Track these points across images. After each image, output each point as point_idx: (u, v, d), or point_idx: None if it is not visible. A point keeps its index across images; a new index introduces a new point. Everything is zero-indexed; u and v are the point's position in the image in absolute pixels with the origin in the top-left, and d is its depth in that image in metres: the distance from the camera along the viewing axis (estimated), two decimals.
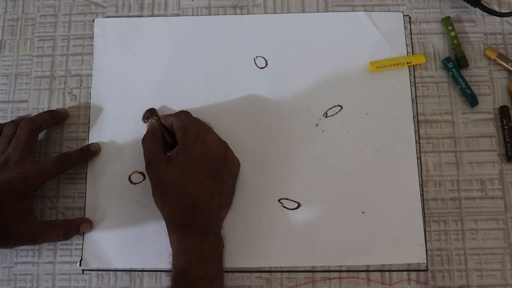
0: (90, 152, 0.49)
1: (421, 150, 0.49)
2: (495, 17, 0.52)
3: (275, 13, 0.53)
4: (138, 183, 0.49)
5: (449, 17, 0.52)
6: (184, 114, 0.46)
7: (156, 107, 0.50)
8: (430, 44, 0.52)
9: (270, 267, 0.47)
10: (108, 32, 0.53)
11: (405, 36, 0.52)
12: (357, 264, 0.47)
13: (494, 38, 0.52)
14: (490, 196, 0.48)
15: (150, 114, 0.49)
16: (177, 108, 0.50)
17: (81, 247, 0.48)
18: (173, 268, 0.42)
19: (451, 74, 0.50)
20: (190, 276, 0.40)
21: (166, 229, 0.43)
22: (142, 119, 0.50)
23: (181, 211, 0.42)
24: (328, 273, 0.47)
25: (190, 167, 0.43)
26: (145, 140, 0.46)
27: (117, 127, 0.50)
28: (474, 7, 0.52)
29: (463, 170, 0.49)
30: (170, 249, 0.43)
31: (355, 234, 0.47)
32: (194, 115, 0.47)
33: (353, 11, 0.53)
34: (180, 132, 0.44)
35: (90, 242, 0.48)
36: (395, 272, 0.47)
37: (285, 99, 0.50)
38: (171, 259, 0.42)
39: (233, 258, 0.47)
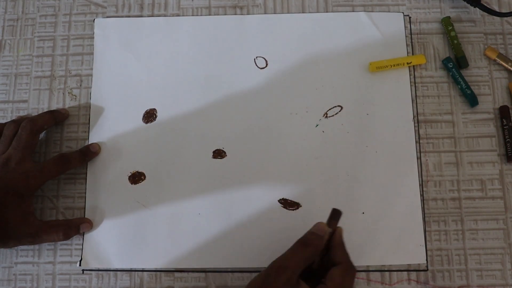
0: (90, 153, 0.49)
1: (421, 150, 0.49)
2: (495, 17, 0.52)
3: (275, 13, 0.53)
4: (138, 183, 0.49)
5: (449, 17, 0.52)
6: (353, 272, 0.40)
7: (156, 107, 0.50)
8: (430, 44, 0.52)
9: None
10: (108, 32, 0.53)
11: (405, 36, 0.52)
12: (357, 264, 0.46)
13: (494, 38, 0.52)
14: (490, 196, 0.48)
15: (331, 218, 0.41)
16: (177, 109, 0.50)
17: (81, 247, 0.48)
18: None
19: (451, 74, 0.50)
20: None
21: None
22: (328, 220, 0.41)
23: None
24: None
25: None
26: (301, 244, 0.40)
27: (117, 127, 0.50)
28: (474, 7, 0.52)
29: (463, 170, 0.49)
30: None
31: (355, 234, 0.47)
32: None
33: (353, 11, 0.53)
34: (331, 283, 0.39)
35: (90, 242, 0.48)
36: (395, 272, 0.47)
37: (285, 99, 0.50)
38: None
39: (233, 258, 0.47)
